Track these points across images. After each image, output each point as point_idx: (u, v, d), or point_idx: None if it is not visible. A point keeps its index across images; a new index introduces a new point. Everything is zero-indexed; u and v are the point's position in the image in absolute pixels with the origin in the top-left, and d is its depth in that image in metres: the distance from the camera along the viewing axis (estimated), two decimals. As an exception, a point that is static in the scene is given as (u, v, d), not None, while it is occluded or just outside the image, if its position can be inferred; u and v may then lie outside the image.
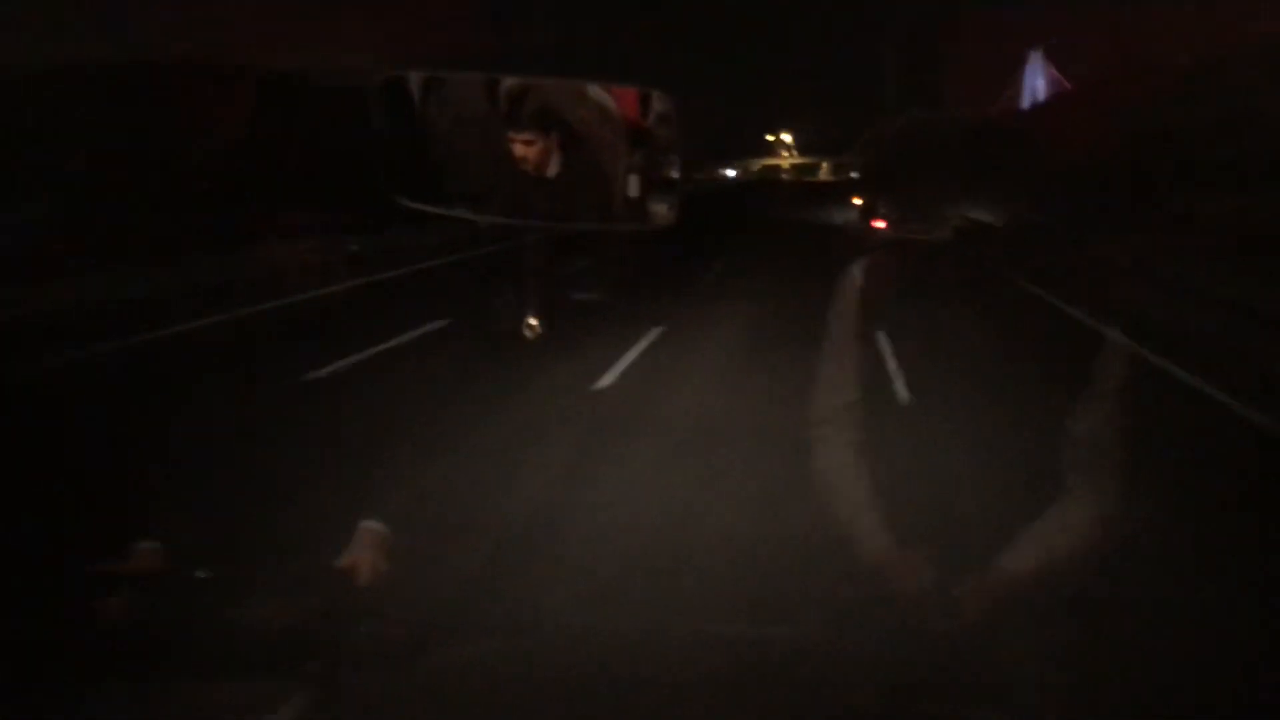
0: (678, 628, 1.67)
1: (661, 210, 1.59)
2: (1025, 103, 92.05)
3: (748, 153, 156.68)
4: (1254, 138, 23.10)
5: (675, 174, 1.56)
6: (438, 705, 1.22)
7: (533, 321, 1.69)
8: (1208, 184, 22.35)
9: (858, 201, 23.02)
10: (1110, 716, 1.31)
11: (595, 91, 1.55)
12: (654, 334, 10.99)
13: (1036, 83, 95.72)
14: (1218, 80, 28.85)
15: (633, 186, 1.57)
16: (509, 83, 1.54)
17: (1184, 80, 32.01)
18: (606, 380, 8.63)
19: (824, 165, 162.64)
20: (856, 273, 2.23)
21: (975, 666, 1.49)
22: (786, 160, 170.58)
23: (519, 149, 1.59)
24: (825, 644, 1.46)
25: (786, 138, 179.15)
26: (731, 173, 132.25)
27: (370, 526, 1.78)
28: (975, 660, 1.57)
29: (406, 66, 1.50)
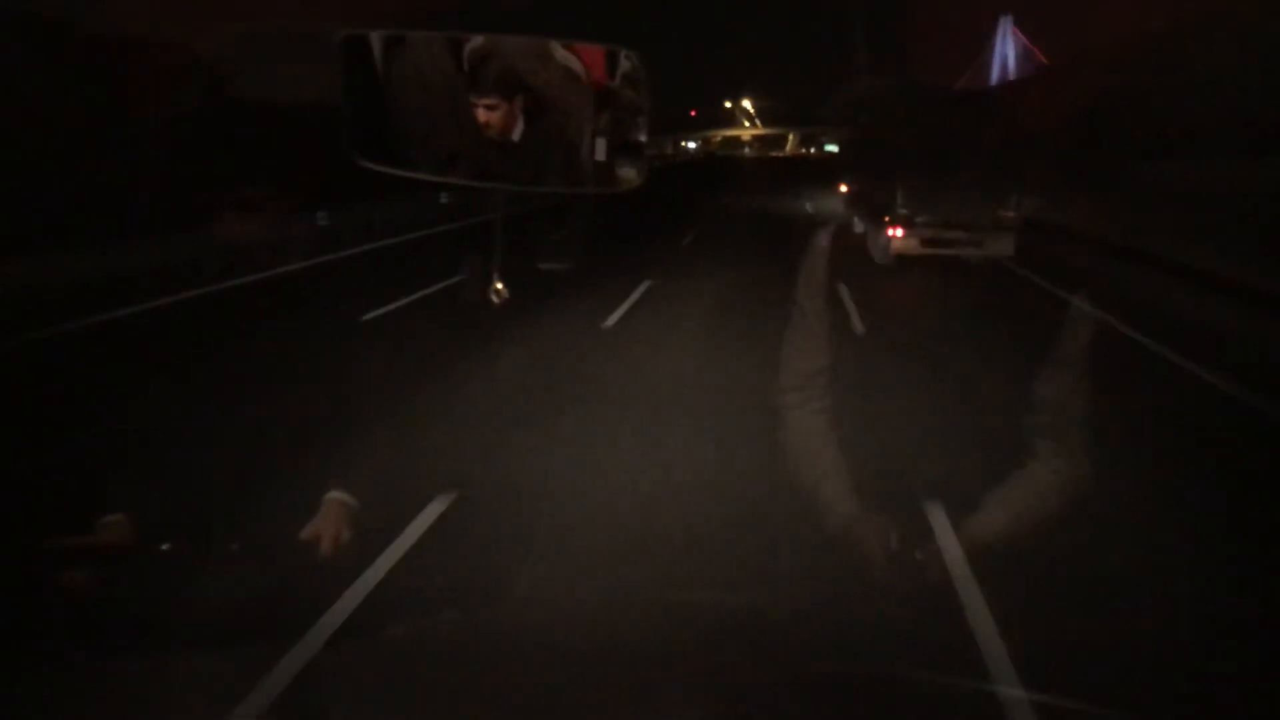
0: (642, 596, 1.67)
1: (629, 174, 1.57)
2: (995, 72, 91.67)
3: (704, 123, 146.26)
4: (1221, 103, 23.33)
5: (643, 137, 1.54)
6: (404, 673, 1.21)
7: (499, 286, 1.67)
8: (1174, 149, 22.48)
9: (845, 190, 21.47)
10: (1070, 678, 1.33)
11: (560, 52, 1.52)
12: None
13: (1007, 51, 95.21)
14: (1188, 45, 28.97)
15: (600, 150, 1.55)
16: (473, 44, 1.51)
17: (1153, 45, 32.19)
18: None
19: (791, 137, 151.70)
20: (823, 240, 2.23)
21: (938, 630, 1.51)
22: (749, 131, 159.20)
23: (482, 113, 1.56)
24: (791, 610, 1.47)
25: (748, 105, 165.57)
26: (693, 145, 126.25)
27: (336, 497, 1.77)
28: (938, 624, 1.59)
29: (367, 25, 1.47)
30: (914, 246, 14.79)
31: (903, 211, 15.13)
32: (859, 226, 15.37)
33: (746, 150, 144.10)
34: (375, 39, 1.48)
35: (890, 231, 14.91)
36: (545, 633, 1.35)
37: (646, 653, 1.25)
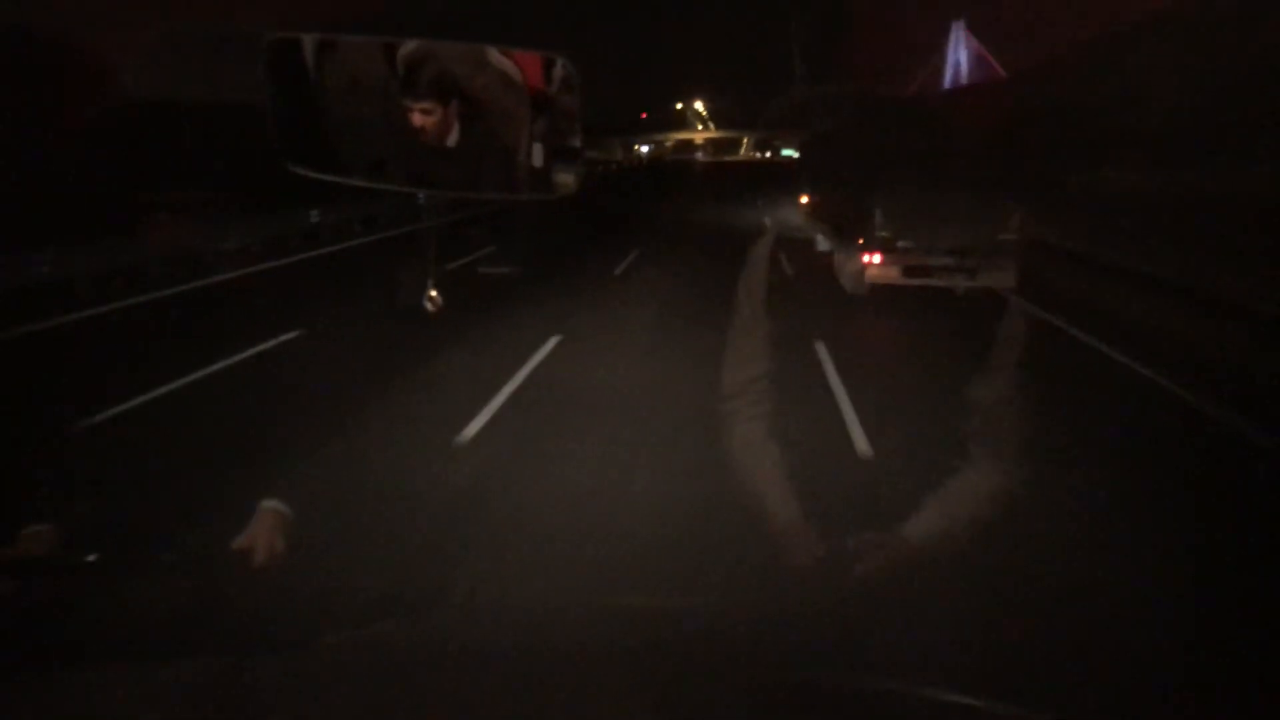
0: (580, 601, 1.66)
1: (565, 179, 1.57)
2: (948, 78, 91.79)
3: (655, 127, 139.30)
4: (1148, 113, 23.81)
5: (578, 143, 1.54)
6: (336, 685, 1.19)
7: (433, 294, 1.66)
8: (1104, 159, 22.89)
9: (806, 202, 19.46)
10: (1002, 683, 1.35)
11: (496, 58, 1.52)
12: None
13: (960, 56, 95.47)
14: (1118, 56, 29.55)
15: (536, 156, 1.55)
16: (406, 48, 1.49)
17: (1086, 56, 32.82)
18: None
19: (745, 140, 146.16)
20: (761, 251, 2.23)
21: (872, 636, 1.52)
22: (702, 134, 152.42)
23: (418, 118, 1.55)
24: (724, 615, 1.47)
25: (700, 107, 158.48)
26: (646, 149, 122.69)
27: (270, 506, 1.74)
28: (872, 630, 1.60)
29: (299, 29, 1.45)
30: (894, 275, 12.58)
31: (881, 234, 12.40)
32: (823, 244, 14.28)
33: (699, 155, 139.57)
34: (307, 42, 1.47)
35: (866, 257, 12.71)
36: (484, 640, 1.34)
37: (585, 659, 1.25)
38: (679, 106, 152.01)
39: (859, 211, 12.92)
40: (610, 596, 1.58)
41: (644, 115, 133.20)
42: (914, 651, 1.48)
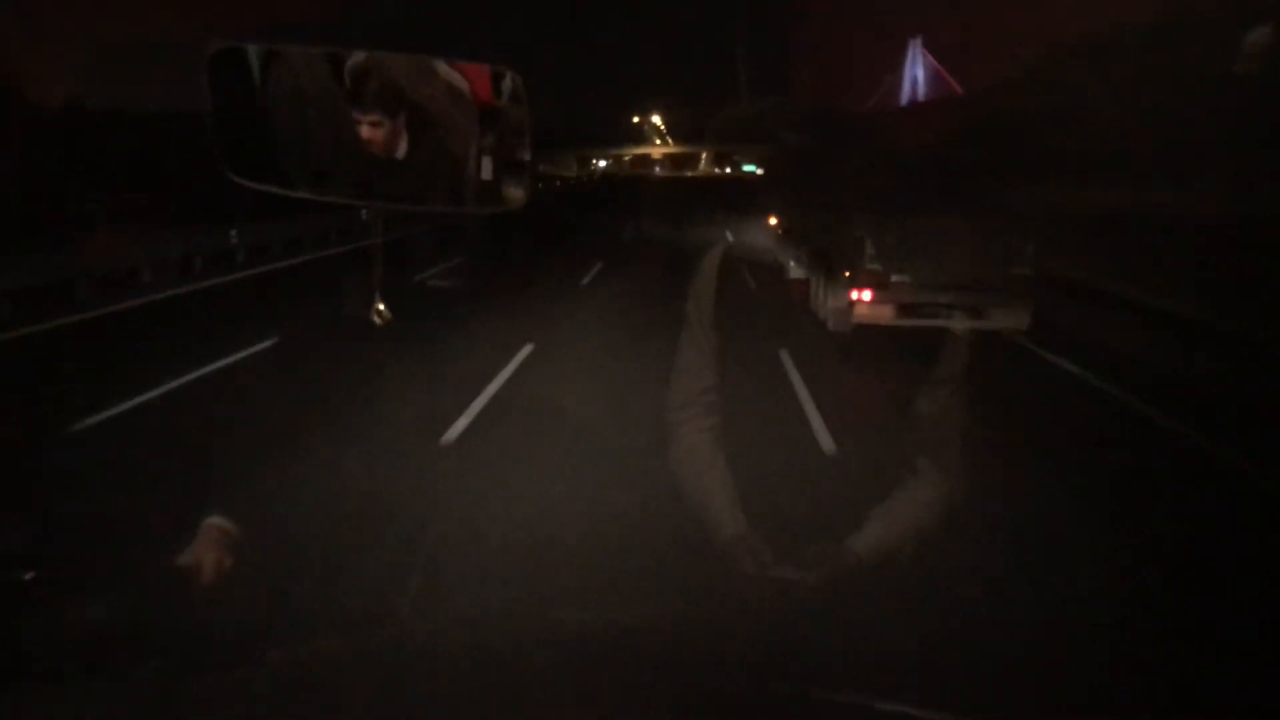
0: (528, 614, 1.66)
1: (514, 193, 1.57)
2: (905, 94, 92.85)
3: (611, 141, 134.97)
4: (1081, 131, 24.32)
5: (527, 156, 1.54)
6: (280, 704, 1.18)
7: (380, 307, 1.65)
8: (1039, 175, 23.14)
9: (776, 224, 17.59)
10: (955, 693, 1.36)
11: (445, 70, 1.51)
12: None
13: (917, 73, 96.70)
14: (1052, 74, 30.23)
15: (485, 169, 1.55)
16: (354, 59, 1.49)
17: (1024, 73, 33.52)
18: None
19: (704, 155, 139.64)
20: (712, 261, 2.24)
21: (821, 646, 1.53)
22: (659, 149, 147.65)
23: (365, 130, 1.54)
24: (674, 627, 1.48)
25: (657, 120, 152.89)
26: (604, 164, 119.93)
27: (215, 523, 1.72)
28: (821, 639, 1.61)
29: (244, 38, 1.44)
30: (885, 315, 10.96)
31: (872, 267, 11.01)
32: (796, 270, 12.43)
33: (657, 169, 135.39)
34: (251, 53, 1.45)
35: (854, 294, 11.17)
36: (425, 654, 1.34)
37: (530, 674, 1.24)
38: (635, 120, 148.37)
39: (844, 240, 11.55)
40: (557, 610, 1.58)
41: (599, 130, 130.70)
42: (866, 662, 1.49)
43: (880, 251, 10.94)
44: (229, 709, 1.18)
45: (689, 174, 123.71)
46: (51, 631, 1.41)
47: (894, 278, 10.87)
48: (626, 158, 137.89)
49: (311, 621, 1.54)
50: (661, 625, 1.52)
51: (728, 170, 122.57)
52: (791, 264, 14.15)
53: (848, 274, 11.10)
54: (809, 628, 1.73)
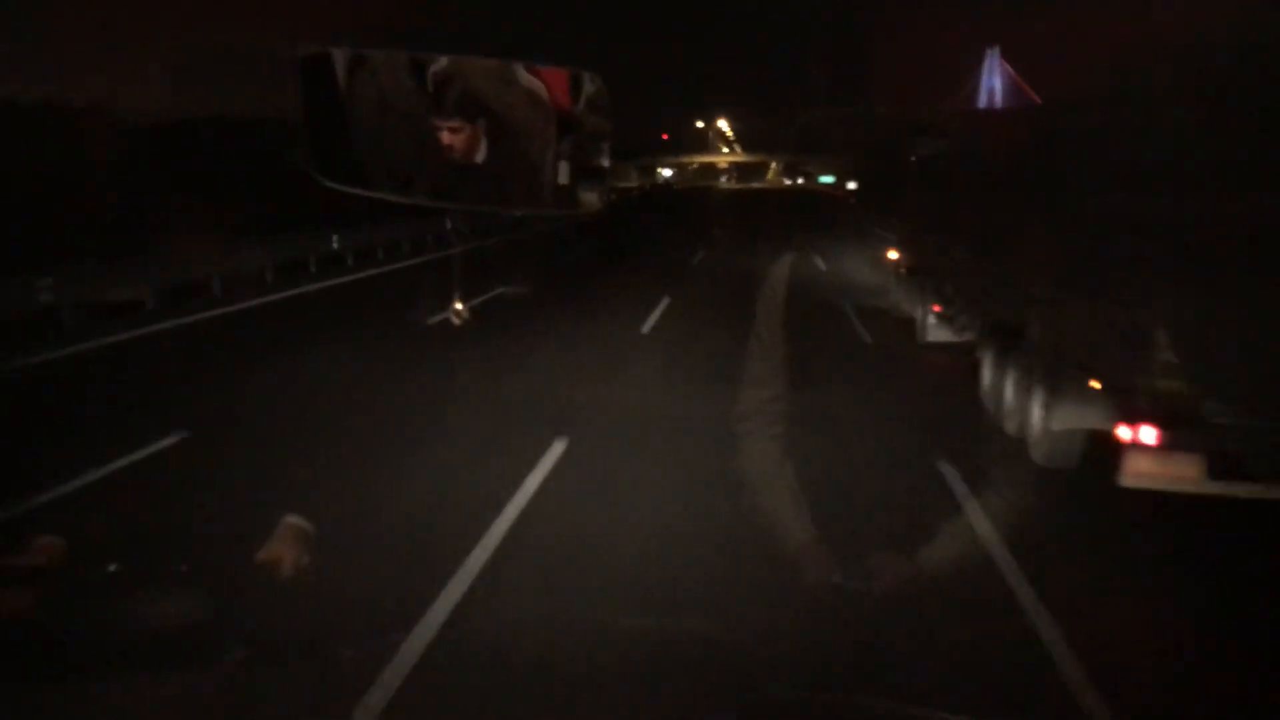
0: (598, 620, 1.66)
1: (590, 198, 1.58)
2: (982, 102, 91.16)
3: (676, 148, 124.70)
4: (1157, 143, 23.47)
5: (605, 162, 1.55)
6: (349, 696, 1.19)
7: (459, 307, 1.67)
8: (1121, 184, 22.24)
9: (898, 259, 13.45)
10: (1016, 704, 1.33)
11: (524, 76, 1.53)
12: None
13: (994, 83, 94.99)
14: (1136, 84, 29.29)
15: (562, 174, 1.56)
16: (436, 65, 1.51)
17: (1106, 83, 32.63)
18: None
19: (773, 165, 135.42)
20: (785, 266, 2.21)
21: (885, 654, 1.51)
22: (726, 158, 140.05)
23: (446, 136, 1.56)
24: (741, 634, 1.47)
25: (724, 126, 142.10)
26: (668, 173, 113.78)
27: (292, 521, 1.74)
28: (885, 647, 1.59)
29: (331, 43, 1.47)
30: (1188, 474, 5.46)
31: (1169, 383, 5.64)
32: (936, 332, 10.73)
33: (724, 180, 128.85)
34: (338, 57, 1.48)
35: (1127, 431, 5.55)
36: (494, 653, 1.34)
37: (595, 676, 1.24)
38: (700, 125, 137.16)
39: (1079, 319, 6.93)
40: (626, 617, 1.58)
41: (665, 136, 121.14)
42: (927, 674, 1.47)
43: (1182, 354, 5.75)
44: (295, 702, 1.19)
45: (756, 185, 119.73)
46: (135, 622, 1.44)
47: (1209, 409, 5.75)
48: (693, 166, 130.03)
49: (381, 618, 1.55)
50: (728, 632, 1.51)
51: (799, 181, 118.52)
52: (929, 321, 11.20)
53: (1098, 384, 6.45)
54: (873, 635, 1.71)
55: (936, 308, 11.10)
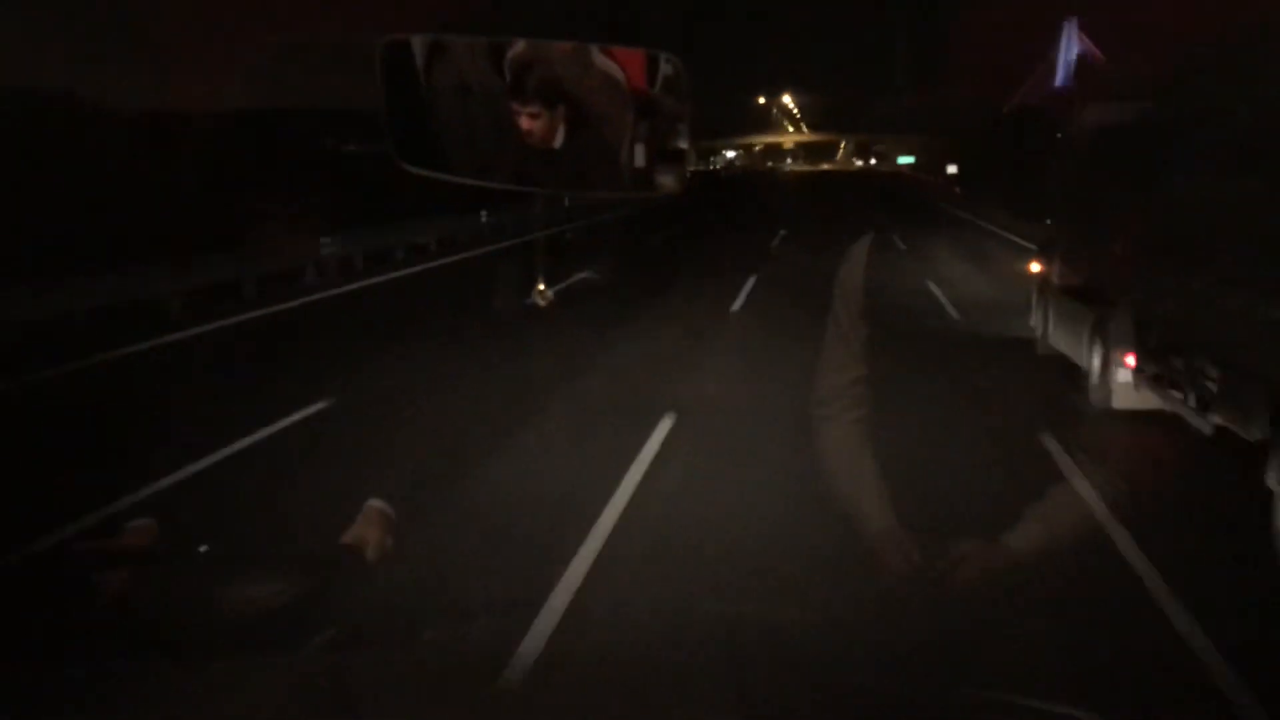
0: (677, 608, 1.66)
1: (668, 180, 1.58)
2: (1060, 80, 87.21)
3: (737, 128, 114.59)
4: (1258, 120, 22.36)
5: (683, 144, 1.55)
6: (437, 682, 1.20)
7: (541, 288, 1.68)
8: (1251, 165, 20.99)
9: (1040, 271, 9.74)
10: (1100, 693, 1.30)
11: (600, 59, 1.53)
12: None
13: (1072, 57, 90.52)
14: (1235, 61, 27.85)
15: (639, 157, 1.56)
16: (514, 50, 1.52)
17: (1202, 58, 31.06)
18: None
19: (842, 145, 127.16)
20: (862, 248, 2.18)
21: (968, 644, 1.49)
22: (792, 137, 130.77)
23: (525, 122, 1.58)
24: (814, 625, 1.46)
25: (788, 102, 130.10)
26: (732, 154, 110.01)
27: (375, 505, 1.77)
28: (968, 638, 1.57)
29: (410, 31, 1.49)
30: None
31: None
32: (1128, 396, 6.92)
33: (789, 161, 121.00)
34: (417, 44, 1.51)
35: None
36: (571, 644, 1.35)
37: (675, 666, 1.24)
38: (761, 101, 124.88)
39: None
40: (708, 603, 1.57)
41: (720, 114, 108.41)
42: (1012, 660, 1.45)
43: None
44: (388, 686, 1.21)
45: (826, 166, 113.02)
46: (225, 603, 1.48)
47: None
48: (757, 147, 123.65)
49: (468, 605, 1.57)
50: (809, 622, 1.50)
51: (872, 162, 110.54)
52: (1117, 377, 7.42)
53: None
54: (956, 626, 1.69)
55: (1131, 358, 7.25)
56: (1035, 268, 10.17)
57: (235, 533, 1.63)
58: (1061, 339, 9.03)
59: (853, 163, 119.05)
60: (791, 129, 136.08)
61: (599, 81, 1.56)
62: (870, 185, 52.06)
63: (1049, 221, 10.55)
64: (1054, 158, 10.60)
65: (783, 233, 23.82)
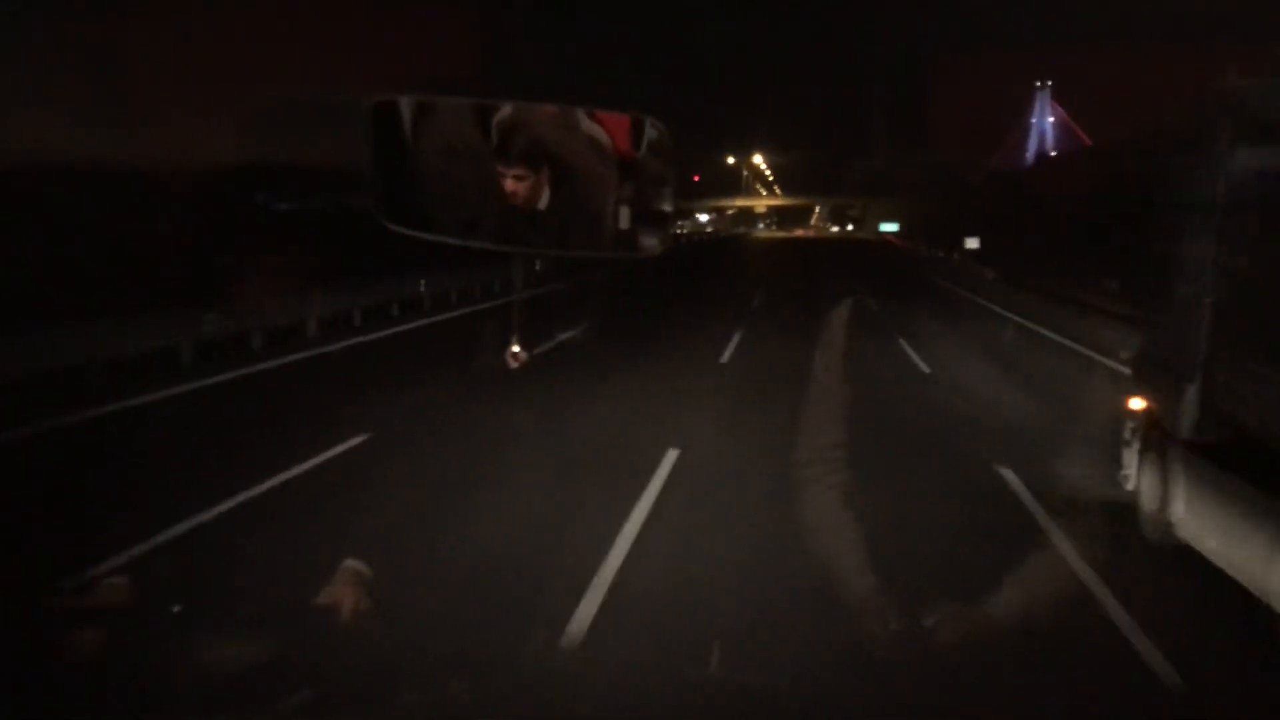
0: (654, 670, 1.64)
1: (651, 242, 1.60)
2: (1032, 146, 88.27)
3: (708, 190, 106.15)
4: None
5: (667, 206, 1.57)
6: None
7: (515, 349, 1.69)
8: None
9: (1141, 408, 6.13)
10: None
11: (586, 122, 1.55)
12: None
13: (1045, 124, 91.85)
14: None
15: (623, 218, 1.58)
16: (501, 113, 1.54)
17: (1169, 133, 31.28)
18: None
19: (817, 209, 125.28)
20: (844, 311, 2.21)
21: (948, 706, 1.49)
22: (765, 201, 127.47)
23: (510, 184, 1.59)
24: (802, 688, 1.44)
25: (759, 162, 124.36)
26: (705, 218, 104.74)
27: (352, 565, 1.75)
28: (949, 700, 1.56)
29: (398, 91, 1.50)
30: None
31: None
32: None
33: (762, 226, 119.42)
34: (405, 105, 1.52)
35: None
36: (549, 704, 1.34)
37: None
38: (731, 161, 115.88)
39: None
40: (688, 668, 1.56)
41: (696, 178, 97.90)
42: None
43: None
44: None
45: (800, 232, 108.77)
46: (198, 663, 1.45)
47: None
48: (730, 211, 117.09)
49: (440, 664, 1.55)
50: (789, 686, 1.49)
51: (849, 228, 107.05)
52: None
53: None
54: (937, 688, 1.68)
55: None
56: (1136, 404, 6.51)
57: (213, 592, 1.60)
58: (1214, 535, 5.23)
59: (828, 228, 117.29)
60: (764, 192, 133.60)
61: (584, 144, 1.58)
62: (859, 262, 42.58)
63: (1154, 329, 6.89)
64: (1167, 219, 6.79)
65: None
